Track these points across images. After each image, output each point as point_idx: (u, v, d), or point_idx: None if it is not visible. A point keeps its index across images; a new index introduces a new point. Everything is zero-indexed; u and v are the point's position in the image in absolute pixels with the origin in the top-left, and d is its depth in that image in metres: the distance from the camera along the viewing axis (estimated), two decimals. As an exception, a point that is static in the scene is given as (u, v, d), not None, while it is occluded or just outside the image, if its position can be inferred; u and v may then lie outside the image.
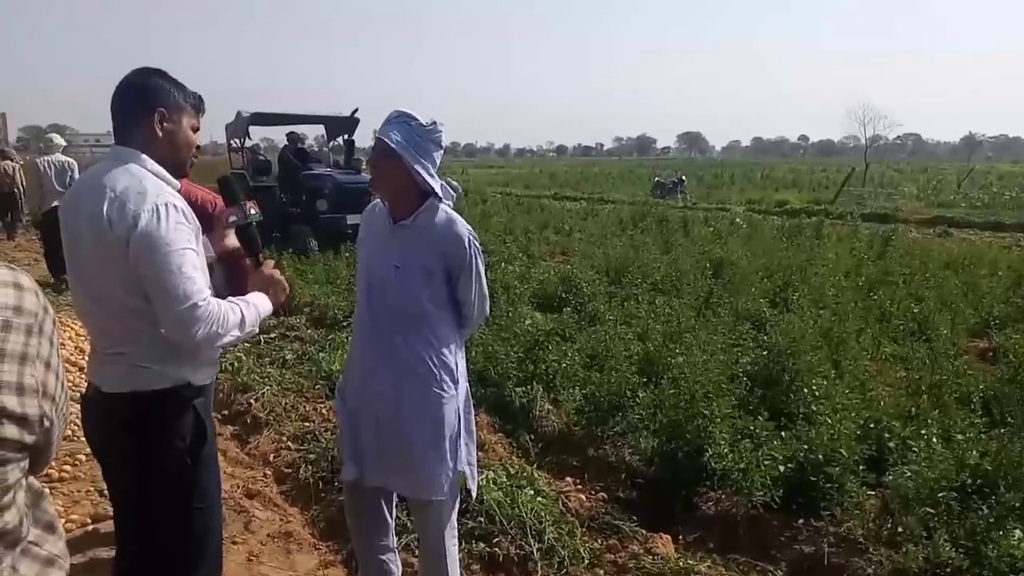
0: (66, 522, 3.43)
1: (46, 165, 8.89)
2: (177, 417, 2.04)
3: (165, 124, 2.05)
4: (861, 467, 3.64)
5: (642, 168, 59.12)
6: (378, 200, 2.59)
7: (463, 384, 2.62)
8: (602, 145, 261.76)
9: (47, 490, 1.10)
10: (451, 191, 2.55)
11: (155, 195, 1.92)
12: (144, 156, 2.01)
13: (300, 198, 11.62)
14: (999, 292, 8.11)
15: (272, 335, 6.70)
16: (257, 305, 2.15)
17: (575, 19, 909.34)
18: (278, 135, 16.82)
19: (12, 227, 13.73)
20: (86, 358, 2.49)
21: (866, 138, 42.23)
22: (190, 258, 1.92)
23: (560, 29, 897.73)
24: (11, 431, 0.85)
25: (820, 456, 3.61)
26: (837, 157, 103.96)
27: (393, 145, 2.34)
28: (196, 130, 2.16)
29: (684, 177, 29.78)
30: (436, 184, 2.44)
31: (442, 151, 2.47)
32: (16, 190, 12.49)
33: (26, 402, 0.86)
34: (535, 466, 4.18)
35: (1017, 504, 3.27)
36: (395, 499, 2.79)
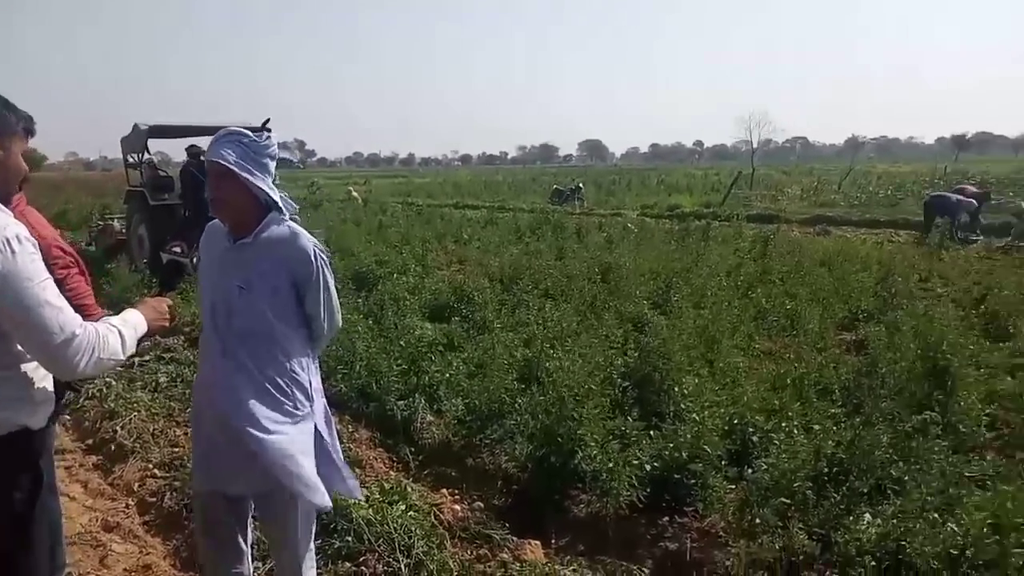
0: None
1: None
2: (14, 467, 1.93)
3: None
4: (725, 462, 3.76)
5: (544, 176, 59.77)
6: (216, 221, 2.52)
7: (319, 401, 2.57)
8: (507, 154, 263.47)
9: None
10: (292, 205, 2.50)
11: (2, 228, 1.78)
12: None
13: (206, 216, 10.77)
14: (868, 286, 8.56)
15: (147, 357, 6.42)
16: (134, 323, 2.08)
17: (485, 28, 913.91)
18: (173, 149, 15.58)
19: None
20: None
21: (754, 142, 43.95)
22: (51, 288, 1.82)
23: (469, 38, 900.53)
24: None
25: (685, 454, 3.71)
26: (730, 162, 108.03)
27: (231, 165, 2.29)
28: (25, 154, 2.04)
29: (582, 184, 30.26)
30: (277, 196, 2.39)
31: (275, 162, 2.43)
32: None
33: None
34: (412, 479, 4.15)
35: (866, 490, 3.45)
36: (250, 524, 2.70)
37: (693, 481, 3.66)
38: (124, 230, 12.43)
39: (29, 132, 2.03)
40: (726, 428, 4.10)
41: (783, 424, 4.09)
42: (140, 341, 2.13)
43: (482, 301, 7.69)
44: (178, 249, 2.32)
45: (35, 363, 1.93)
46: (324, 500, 2.41)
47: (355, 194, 29.92)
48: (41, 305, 1.77)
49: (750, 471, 3.73)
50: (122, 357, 1.97)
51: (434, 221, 19.67)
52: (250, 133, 2.37)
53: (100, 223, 13.83)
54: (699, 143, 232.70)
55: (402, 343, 5.93)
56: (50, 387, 2.03)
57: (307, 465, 2.41)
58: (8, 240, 1.76)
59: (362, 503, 3.49)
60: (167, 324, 2.34)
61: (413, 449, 4.61)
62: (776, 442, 3.83)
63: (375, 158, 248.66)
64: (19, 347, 1.87)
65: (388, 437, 4.80)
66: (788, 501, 3.41)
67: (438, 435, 4.74)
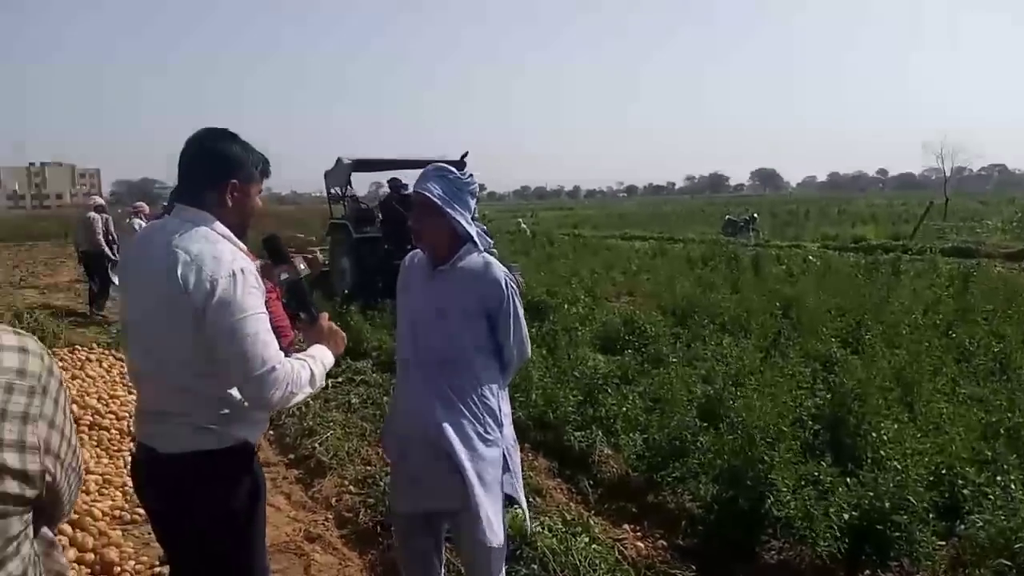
0: (135, 564, 3.55)
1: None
2: (236, 478, 2.07)
3: (235, 194, 2.07)
4: (932, 515, 3.47)
5: (713, 206, 58.47)
6: (416, 250, 2.68)
7: (508, 427, 2.65)
8: (673, 184, 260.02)
9: (58, 541, 1.16)
10: (487, 240, 2.61)
11: (231, 261, 1.93)
12: (215, 221, 2.03)
13: (406, 249, 10.72)
14: (1092, 329, 7.65)
15: (339, 379, 6.84)
16: (322, 359, 2.17)
17: (641, 59, 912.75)
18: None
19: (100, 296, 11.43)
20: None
21: (946, 170, 40.69)
22: (264, 322, 1.95)
23: (631, 68, 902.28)
24: (12, 486, 0.91)
25: (888, 504, 3.46)
26: (918, 191, 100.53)
27: (435, 199, 2.45)
28: (259, 193, 2.19)
29: (756, 215, 29.25)
30: (473, 231, 2.51)
31: (475, 199, 2.55)
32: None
33: (27, 459, 0.92)
34: (592, 512, 4.14)
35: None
36: (444, 544, 2.80)
37: (897, 534, 3.40)
38: (327, 262, 12.25)
39: (264, 174, 2.18)
40: (932, 479, 3.79)
41: (998, 478, 3.74)
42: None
43: (655, 334, 7.60)
44: (286, 275, 2.52)
45: None
46: (493, 538, 2.44)
47: (523, 226, 30.66)
48: (251, 336, 1.90)
49: (962, 527, 3.43)
50: (311, 391, 2.06)
51: (601, 252, 19.72)
52: (455, 170, 2.52)
53: (308, 256, 14.53)
54: (883, 171, 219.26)
55: (576, 374, 5.97)
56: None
57: (486, 501, 2.46)
58: (234, 272, 1.91)
59: (546, 533, 3.53)
60: (344, 338, 2.39)
61: (592, 482, 4.60)
62: (991, 497, 3.51)
63: (541, 191, 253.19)
64: None
65: (565, 468, 4.82)
66: (1009, 563, 3.10)
67: (617, 469, 4.70)
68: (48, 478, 0.97)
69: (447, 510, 2.56)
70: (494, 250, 2.66)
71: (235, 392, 2.02)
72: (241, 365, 1.90)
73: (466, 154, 11.12)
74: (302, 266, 2.42)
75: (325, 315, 2.38)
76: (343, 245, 11.58)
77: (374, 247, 10.91)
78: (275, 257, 2.44)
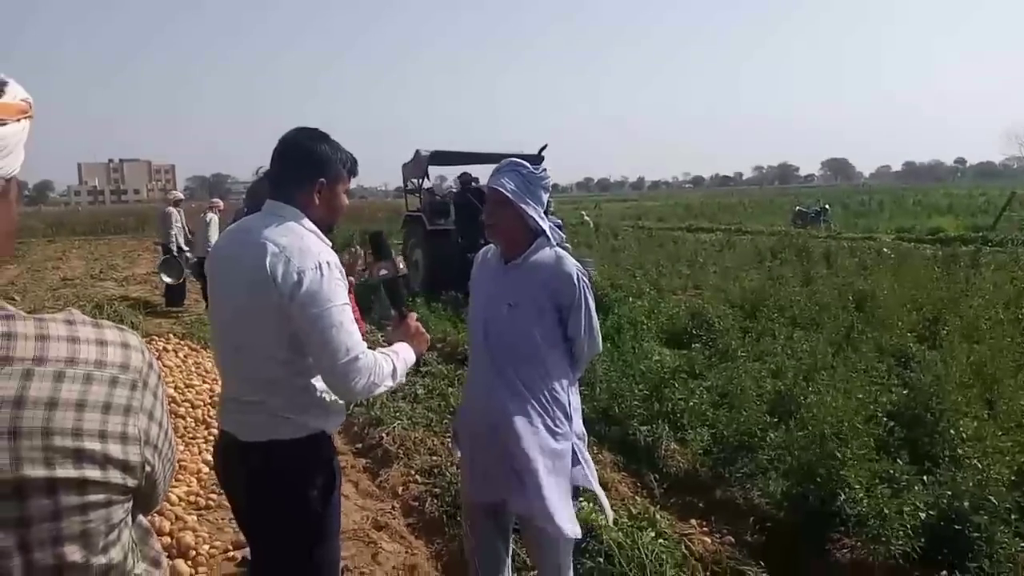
0: (209, 548, 3.69)
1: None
2: (313, 466, 2.13)
3: (323, 193, 2.14)
4: (1014, 516, 3.35)
5: (783, 197, 57.14)
6: (490, 244, 2.70)
7: (577, 420, 2.66)
8: (741, 175, 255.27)
9: (153, 528, 1.21)
10: (560, 234, 2.62)
11: (317, 253, 2.00)
12: (303, 216, 2.11)
13: (478, 243, 11.00)
14: None
15: (406, 371, 6.94)
16: (405, 356, 2.23)
17: (713, 48, 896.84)
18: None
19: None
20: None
21: (1031, 158, 38.82)
22: (348, 313, 2.01)
23: (698, 57, 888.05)
24: (115, 476, 0.96)
25: (967, 503, 3.36)
26: (999, 180, 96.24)
27: (508, 194, 2.48)
28: (347, 191, 2.26)
29: (828, 206, 28.48)
30: (546, 225, 2.52)
31: (548, 193, 2.57)
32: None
33: (128, 450, 0.97)
34: (659, 507, 4.11)
35: None
36: (511, 534, 2.83)
37: (976, 535, 3.29)
38: (400, 255, 12.77)
39: (352, 173, 2.24)
40: (1014, 478, 3.65)
41: (1086, 479, 3.58)
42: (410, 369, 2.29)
43: (723, 328, 7.49)
44: (385, 272, 2.54)
45: None
46: (560, 531, 2.44)
47: (587, 218, 30.53)
48: (336, 326, 1.96)
49: (1048, 530, 3.29)
50: (392, 384, 2.12)
51: (666, 244, 19.51)
52: (529, 165, 2.54)
53: None
54: (961, 160, 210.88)
55: (642, 367, 5.93)
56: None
57: (554, 494, 2.46)
58: (320, 264, 1.98)
59: (611, 527, 3.52)
60: (427, 341, 2.46)
61: (657, 476, 4.57)
62: (1077, 497, 3.37)
63: (605, 183, 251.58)
64: None
65: (631, 462, 4.81)
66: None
67: (683, 464, 4.66)
68: (147, 468, 1.02)
69: (514, 502, 2.58)
70: (567, 244, 2.67)
71: (316, 382, 2.09)
72: (326, 354, 1.96)
73: (544, 147, 11.05)
74: (401, 265, 2.48)
75: (413, 315, 2.43)
76: (417, 237, 11.63)
77: (447, 239, 10.92)
78: (378, 252, 2.49)
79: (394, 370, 2.12)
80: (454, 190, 12.70)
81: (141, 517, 1.13)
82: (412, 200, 12.36)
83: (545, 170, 2.55)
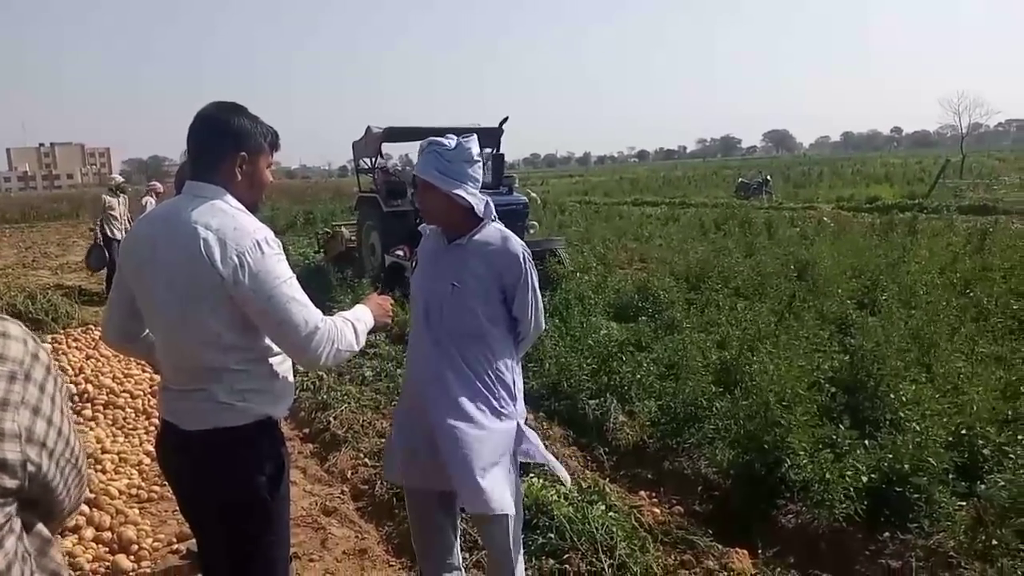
0: (153, 541, 3.58)
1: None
2: (260, 452, 2.06)
3: (245, 167, 2.05)
4: (952, 476, 3.44)
5: (727, 170, 57.84)
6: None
7: (520, 400, 2.64)
8: (685, 148, 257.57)
9: (57, 539, 1.12)
10: (491, 209, 2.55)
11: (253, 231, 1.93)
12: (227, 194, 2.02)
13: None
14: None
15: (353, 352, 6.84)
16: (364, 319, 2.22)
17: (651, 23, 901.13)
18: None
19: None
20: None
21: (962, 127, 39.91)
22: (297, 286, 1.97)
23: (637, 34, 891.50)
24: None
25: (907, 465, 3.43)
26: (934, 149, 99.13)
27: (430, 179, 2.41)
28: (270, 166, 2.17)
29: (769, 177, 29.03)
30: (477, 201, 2.45)
31: (478, 163, 2.48)
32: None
33: (5, 447, 0.89)
34: (608, 479, 4.13)
35: None
36: (459, 515, 2.80)
37: (916, 495, 3.37)
38: (352, 237, 11.94)
39: (274, 147, 2.15)
40: (951, 439, 3.75)
41: (1019, 437, 3.69)
42: (368, 334, 2.26)
43: (669, 300, 7.54)
44: (400, 253, 2.48)
45: (279, 357, 2.07)
46: (482, 508, 2.40)
47: (533, 195, 30.47)
48: (289, 301, 1.91)
49: (983, 487, 3.39)
50: (356, 348, 2.10)
51: (613, 219, 19.61)
52: (444, 142, 2.44)
53: (328, 230, 13.14)
54: (897, 129, 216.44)
55: (591, 342, 5.94)
56: (291, 379, 2.17)
57: (499, 475, 2.44)
58: (258, 242, 1.91)
59: (562, 502, 3.52)
60: (389, 320, 2.47)
61: (607, 449, 4.59)
62: (1012, 456, 3.47)
63: (551, 158, 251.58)
64: (265, 342, 2.02)
65: (581, 436, 4.82)
66: (1031, 523, 3.06)
67: (632, 436, 4.69)
68: (31, 468, 0.93)
69: (460, 484, 2.53)
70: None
71: (261, 366, 2.03)
72: (286, 331, 1.93)
73: (505, 120, 10.53)
74: (414, 263, 2.46)
75: (388, 297, 2.48)
76: (372, 219, 10.89)
77: (405, 221, 10.07)
78: (409, 239, 2.49)
79: (355, 332, 2.10)
80: (399, 167, 12.32)
81: (41, 526, 1.04)
82: (365, 180, 11.66)
83: (459, 144, 2.45)
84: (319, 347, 1.95)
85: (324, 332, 1.96)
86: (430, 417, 2.47)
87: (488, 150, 10.68)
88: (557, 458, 4.18)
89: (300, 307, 1.94)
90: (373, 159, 11.02)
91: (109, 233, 10.82)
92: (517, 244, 2.52)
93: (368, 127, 10.67)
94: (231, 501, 2.04)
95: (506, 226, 2.58)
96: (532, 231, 9.92)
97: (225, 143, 2.02)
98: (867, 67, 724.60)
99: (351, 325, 2.10)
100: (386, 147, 11.43)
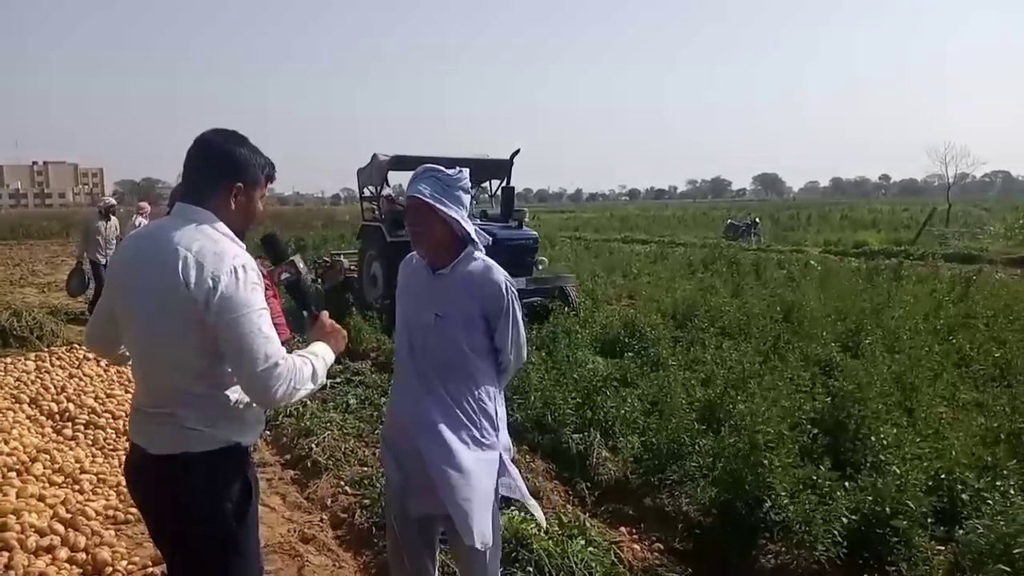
0: (128, 564, 3.53)
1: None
2: (226, 479, 2.04)
3: (239, 197, 2.06)
4: (931, 520, 3.46)
5: (716, 211, 58.33)
6: (413, 253, 2.66)
7: (504, 430, 2.64)
8: (675, 188, 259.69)
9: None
10: (485, 237, 2.59)
11: (232, 256, 1.92)
12: (217, 220, 2.02)
13: None
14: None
15: (338, 380, 6.83)
16: (324, 356, 2.16)
17: (650, 62, 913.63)
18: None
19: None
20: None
21: (949, 176, 40.48)
22: (266, 318, 1.94)
23: (634, 72, 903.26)
24: None
25: (887, 508, 3.45)
26: (921, 197, 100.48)
27: (426, 199, 2.43)
28: (262, 197, 2.17)
29: (758, 219, 29.24)
30: (470, 228, 2.49)
31: (470, 195, 2.53)
32: None
33: None
34: (590, 515, 4.11)
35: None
36: (438, 547, 2.78)
37: (896, 538, 3.38)
38: (352, 267, 11.44)
39: (270, 179, 2.17)
40: (931, 483, 3.78)
41: (998, 483, 3.73)
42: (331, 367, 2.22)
43: (655, 337, 7.57)
44: (287, 275, 2.40)
45: None
46: (472, 541, 2.40)
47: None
48: (254, 333, 1.88)
49: (961, 532, 3.40)
50: (312, 387, 2.04)
51: (602, 255, 19.71)
52: (444, 169, 2.49)
53: (327, 259, 12.64)
54: (885, 177, 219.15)
55: (575, 376, 5.95)
56: (262, 409, 2.15)
57: (480, 506, 2.43)
58: (235, 268, 1.90)
59: (542, 535, 3.50)
60: (345, 336, 2.37)
61: (589, 484, 4.58)
62: (990, 502, 3.50)
63: (543, 194, 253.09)
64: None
65: (563, 470, 4.80)
66: (1008, 568, 3.07)
67: (614, 471, 4.68)
68: None
69: (438, 515, 2.53)
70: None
71: (231, 393, 2.00)
72: (244, 361, 1.88)
73: (517, 152, 10.24)
74: (300, 264, 2.39)
75: (325, 313, 2.36)
76: (376, 249, 10.48)
77: (408, 251, 9.93)
78: (274, 256, 2.40)
79: (314, 372, 2.04)
80: (393, 196, 12.13)
81: None
82: (370, 209, 11.35)
83: (461, 172, 2.50)
84: (275, 383, 1.90)
85: (283, 369, 1.91)
86: (414, 442, 2.48)
87: (497, 181, 10.68)
88: (539, 492, 4.22)
89: (264, 340, 1.90)
90: (378, 188, 10.75)
91: (93, 258, 10.74)
92: (500, 274, 2.54)
93: (374, 155, 10.43)
94: (196, 527, 2.02)
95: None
96: (541, 267, 9.64)
97: (222, 171, 2.04)
98: (862, 112, 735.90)
99: (311, 365, 2.04)
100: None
